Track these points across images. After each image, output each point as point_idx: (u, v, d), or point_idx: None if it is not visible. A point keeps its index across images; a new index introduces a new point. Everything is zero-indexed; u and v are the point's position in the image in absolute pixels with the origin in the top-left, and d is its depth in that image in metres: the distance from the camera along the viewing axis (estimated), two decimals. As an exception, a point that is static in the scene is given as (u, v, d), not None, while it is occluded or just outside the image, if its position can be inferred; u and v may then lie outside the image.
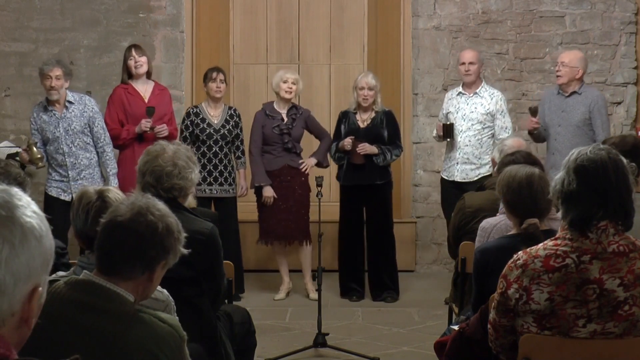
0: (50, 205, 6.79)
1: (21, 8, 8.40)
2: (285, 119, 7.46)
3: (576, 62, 7.12)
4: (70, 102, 6.89)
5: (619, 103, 8.47)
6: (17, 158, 6.73)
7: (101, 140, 6.93)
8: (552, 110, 7.17)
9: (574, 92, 7.09)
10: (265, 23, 8.73)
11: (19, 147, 7.18)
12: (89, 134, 6.91)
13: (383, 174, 7.39)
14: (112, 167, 6.94)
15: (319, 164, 7.56)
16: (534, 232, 3.65)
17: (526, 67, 8.49)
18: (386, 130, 7.37)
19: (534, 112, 7.18)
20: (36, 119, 6.92)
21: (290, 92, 7.43)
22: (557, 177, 3.04)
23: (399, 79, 8.52)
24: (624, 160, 3.05)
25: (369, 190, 7.37)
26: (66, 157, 6.85)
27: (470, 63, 7.36)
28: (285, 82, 7.41)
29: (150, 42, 8.35)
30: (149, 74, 7.34)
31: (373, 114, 7.40)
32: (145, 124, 7.04)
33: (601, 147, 3.05)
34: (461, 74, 7.48)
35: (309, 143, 7.81)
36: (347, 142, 7.28)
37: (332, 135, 7.57)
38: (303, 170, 7.47)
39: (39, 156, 6.74)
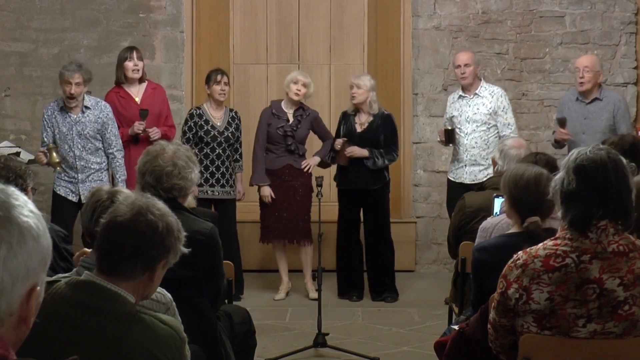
0: (58, 203, 6.86)
1: (21, 8, 8.39)
2: (291, 120, 7.43)
3: (598, 65, 7.01)
4: (87, 107, 6.83)
5: (619, 103, 8.47)
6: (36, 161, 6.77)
7: (112, 146, 6.89)
8: (573, 118, 7.00)
9: (595, 99, 6.98)
10: (265, 23, 8.73)
11: (19, 147, 7.17)
12: (100, 138, 6.87)
13: (377, 178, 7.33)
14: (122, 174, 6.90)
15: (321, 164, 7.54)
16: (536, 231, 3.65)
17: (526, 67, 8.48)
18: (383, 135, 7.34)
19: (562, 123, 6.97)
20: (50, 117, 6.83)
21: (299, 94, 7.39)
22: (556, 177, 3.04)
23: (399, 79, 8.51)
24: (624, 160, 3.05)
25: (365, 193, 7.35)
26: (77, 160, 6.82)
27: (466, 65, 7.29)
28: (295, 83, 7.37)
29: (150, 42, 8.35)
30: (142, 79, 7.27)
31: (371, 118, 7.36)
32: (138, 126, 7.01)
33: (601, 147, 3.05)
34: (458, 78, 7.43)
35: (313, 143, 7.78)
36: (338, 142, 7.28)
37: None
38: (305, 170, 7.45)
39: (57, 160, 6.70)
